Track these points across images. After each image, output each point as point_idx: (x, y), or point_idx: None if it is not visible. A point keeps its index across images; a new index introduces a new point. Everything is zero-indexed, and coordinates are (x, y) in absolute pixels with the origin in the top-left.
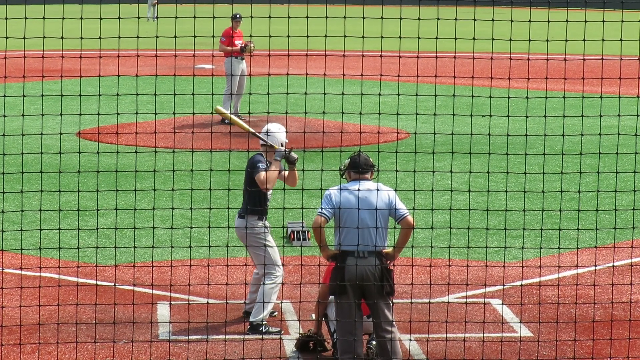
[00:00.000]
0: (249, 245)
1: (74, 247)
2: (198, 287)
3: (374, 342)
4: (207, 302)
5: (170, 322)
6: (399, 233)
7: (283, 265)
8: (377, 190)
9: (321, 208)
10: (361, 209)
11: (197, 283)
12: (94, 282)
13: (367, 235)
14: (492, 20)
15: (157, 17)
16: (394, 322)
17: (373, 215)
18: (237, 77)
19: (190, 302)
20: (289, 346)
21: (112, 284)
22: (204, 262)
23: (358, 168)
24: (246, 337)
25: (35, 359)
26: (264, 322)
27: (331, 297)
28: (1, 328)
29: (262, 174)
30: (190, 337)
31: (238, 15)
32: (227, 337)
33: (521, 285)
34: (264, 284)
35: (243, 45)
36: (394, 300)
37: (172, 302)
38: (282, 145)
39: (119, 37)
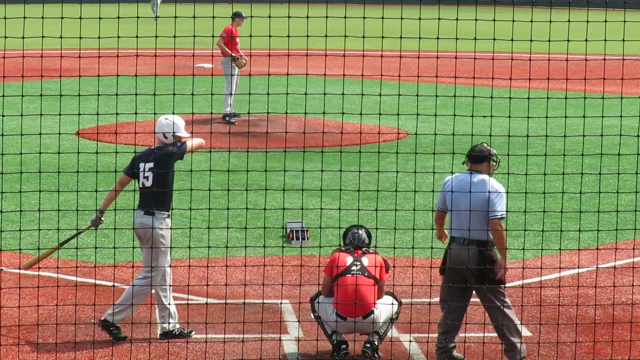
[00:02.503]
0: (154, 245)
1: (72, 247)
2: (197, 286)
3: (369, 345)
4: (207, 302)
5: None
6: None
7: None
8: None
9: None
10: (462, 199)
11: (196, 283)
12: (92, 281)
13: (466, 224)
14: (494, 20)
15: (157, 17)
16: (505, 307)
17: (474, 205)
18: (233, 76)
19: (189, 302)
20: (288, 346)
21: (111, 283)
22: (203, 262)
23: (470, 158)
24: (245, 336)
25: (34, 358)
26: (116, 325)
27: (321, 298)
28: (0, 327)
29: (190, 143)
30: (189, 337)
31: (243, 14)
32: (226, 336)
33: (521, 285)
34: (134, 284)
35: (237, 56)
36: (401, 300)
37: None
38: (165, 137)
39: (118, 37)
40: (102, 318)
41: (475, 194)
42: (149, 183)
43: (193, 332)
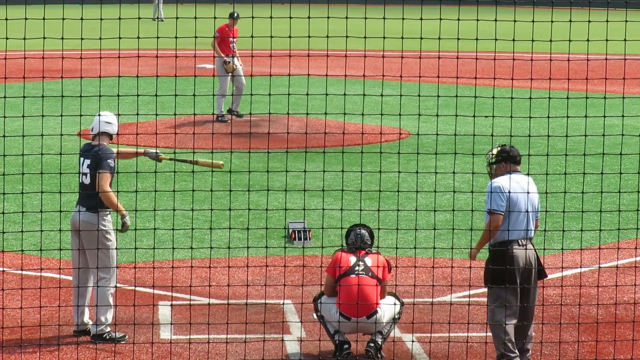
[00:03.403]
0: (96, 245)
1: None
2: (199, 287)
3: (372, 345)
4: (209, 303)
5: (171, 324)
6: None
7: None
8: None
9: (494, 204)
10: (523, 200)
11: (199, 284)
12: None
13: (527, 223)
14: (495, 20)
15: (157, 18)
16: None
17: (530, 204)
18: (228, 77)
19: (192, 303)
20: (291, 346)
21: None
22: (205, 262)
23: (513, 159)
24: (248, 337)
25: (36, 359)
26: (107, 329)
27: (324, 299)
28: (2, 329)
29: (109, 187)
30: (191, 337)
31: (236, 14)
32: (228, 337)
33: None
34: (99, 286)
35: (229, 58)
36: (403, 300)
37: (174, 303)
38: (116, 134)
39: (120, 38)
40: (91, 335)
41: (531, 194)
42: (87, 181)
43: (126, 337)
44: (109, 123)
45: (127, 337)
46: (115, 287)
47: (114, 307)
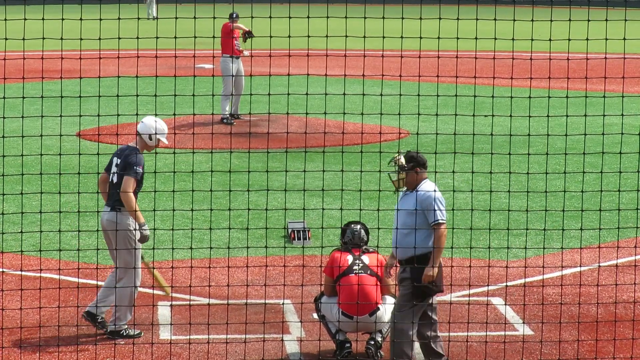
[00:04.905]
0: (121, 244)
1: (74, 248)
2: (199, 287)
3: (372, 343)
4: (209, 303)
5: (171, 324)
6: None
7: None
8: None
9: (442, 210)
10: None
11: (198, 284)
12: (94, 282)
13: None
14: (495, 19)
15: (156, 17)
16: None
17: None
18: (233, 77)
19: (191, 303)
20: (290, 346)
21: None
22: (205, 263)
23: (426, 165)
24: (247, 337)
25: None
26: (125, 326)
27: (324, 299)
28: (1, 330)
29: (131, 191)
30: (191, 338)
31: (235, 15)
32: (228, 337)
33: (523, 284)
34: (118, 287)
35: (246, 31)
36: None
37: (173, 303)
38: (150, 139)
39: (119, 38)
40: (108, 331)
41: None
42: (115, 180)
43: (142, 334)
44: (143, 126)
45: (142, 333)
46: (135, 286)
47: (133, 306)
